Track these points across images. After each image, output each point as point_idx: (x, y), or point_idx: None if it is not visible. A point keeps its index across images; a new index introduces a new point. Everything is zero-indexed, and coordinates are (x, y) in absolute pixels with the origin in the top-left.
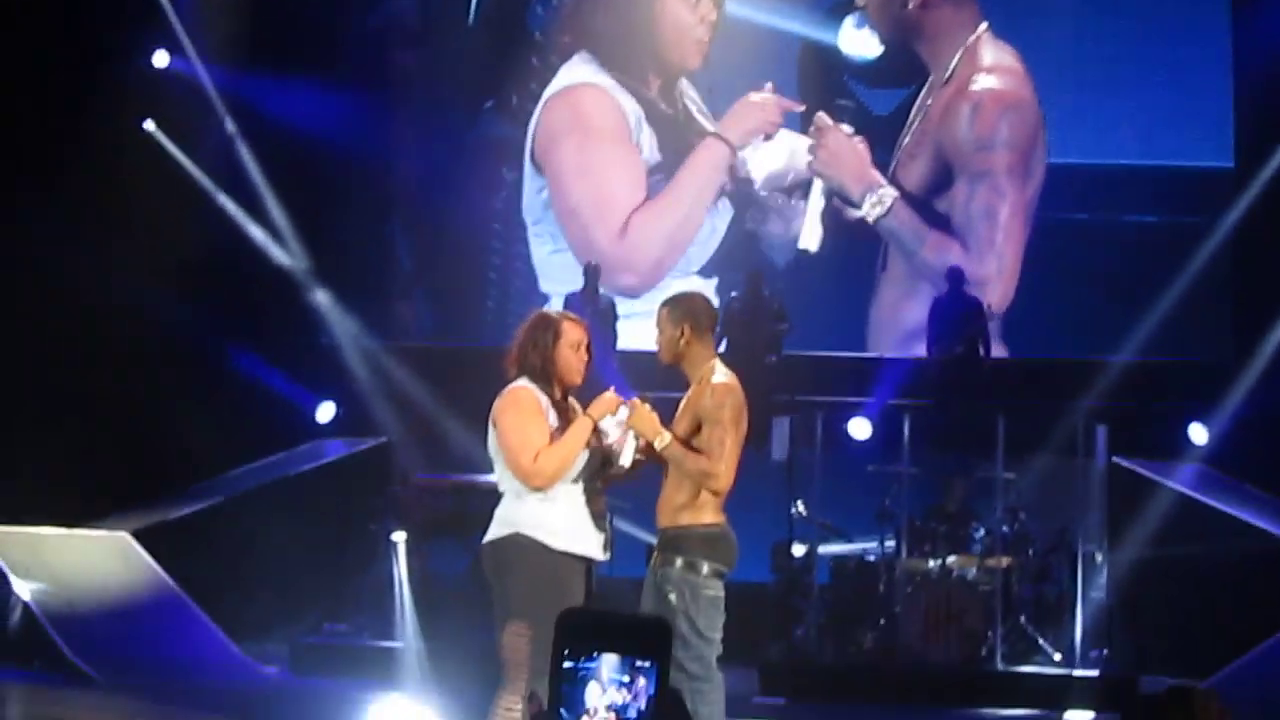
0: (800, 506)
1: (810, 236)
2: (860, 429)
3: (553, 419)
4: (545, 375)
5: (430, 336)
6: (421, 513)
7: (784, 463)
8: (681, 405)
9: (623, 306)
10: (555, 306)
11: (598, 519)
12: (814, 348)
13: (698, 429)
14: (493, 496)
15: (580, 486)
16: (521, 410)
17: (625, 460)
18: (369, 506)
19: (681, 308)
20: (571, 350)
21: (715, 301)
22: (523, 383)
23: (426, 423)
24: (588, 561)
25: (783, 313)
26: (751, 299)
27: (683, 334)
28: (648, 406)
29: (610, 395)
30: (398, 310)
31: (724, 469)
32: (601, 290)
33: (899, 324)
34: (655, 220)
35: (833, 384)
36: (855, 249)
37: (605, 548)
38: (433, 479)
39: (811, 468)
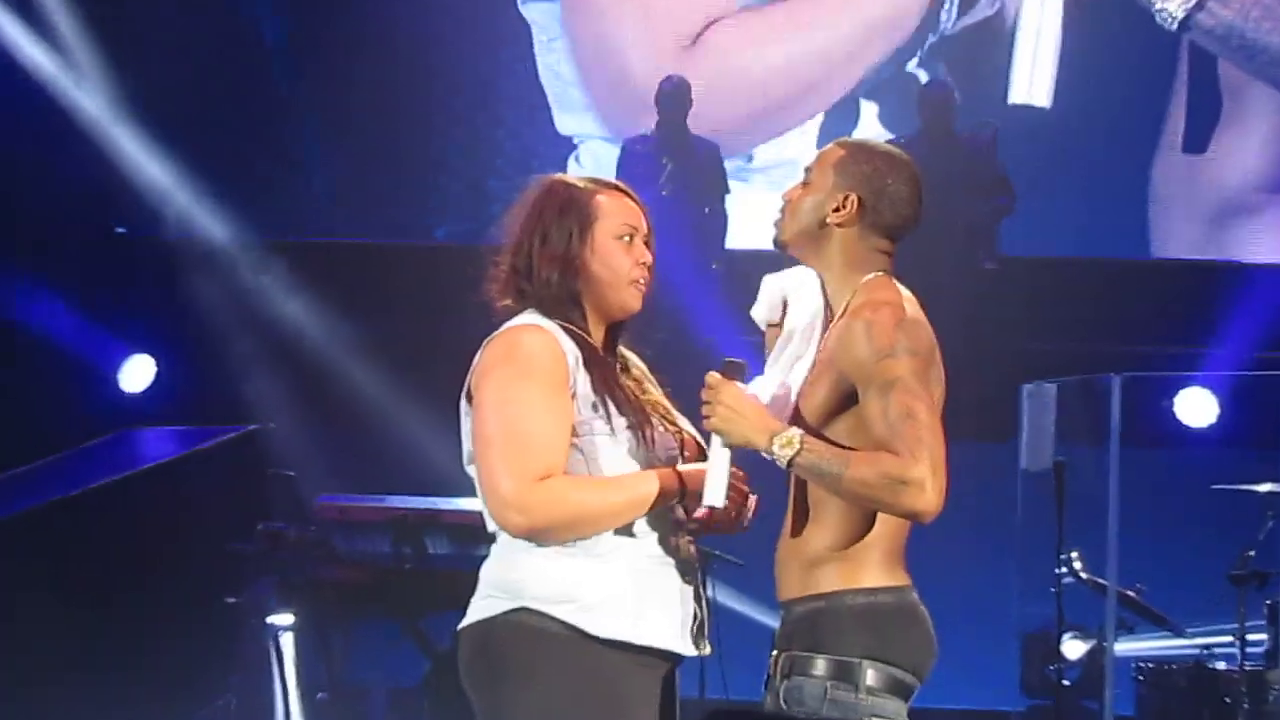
0: (1075, 560)
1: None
2: (1197, 406)
3: (584, 389)
4: (572, 299)
5: (347, 229)
6: (333, 572)
7: (1038, 472)
8: (815, 361)
9: None
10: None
11: (680, 581)
12: None
13: (842, 403)
14: (475, 539)
15: (644, 523)
16: (524, 374)
17: (715, 498)
18: (223, 560)
19: (862, 165)
20: (620, 244)
21: None
22: (529, 318)
23: (338, 395)
24: (664, 660)
25: (1004, 179)
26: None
27: (842, 206)
28: (733, 386)
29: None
30: (288, 184)
31: (930, 470)
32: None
33: None
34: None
35: (1121, 325)
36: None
37: (696, 635)
38: (353, 505)
39: (1095, 483)
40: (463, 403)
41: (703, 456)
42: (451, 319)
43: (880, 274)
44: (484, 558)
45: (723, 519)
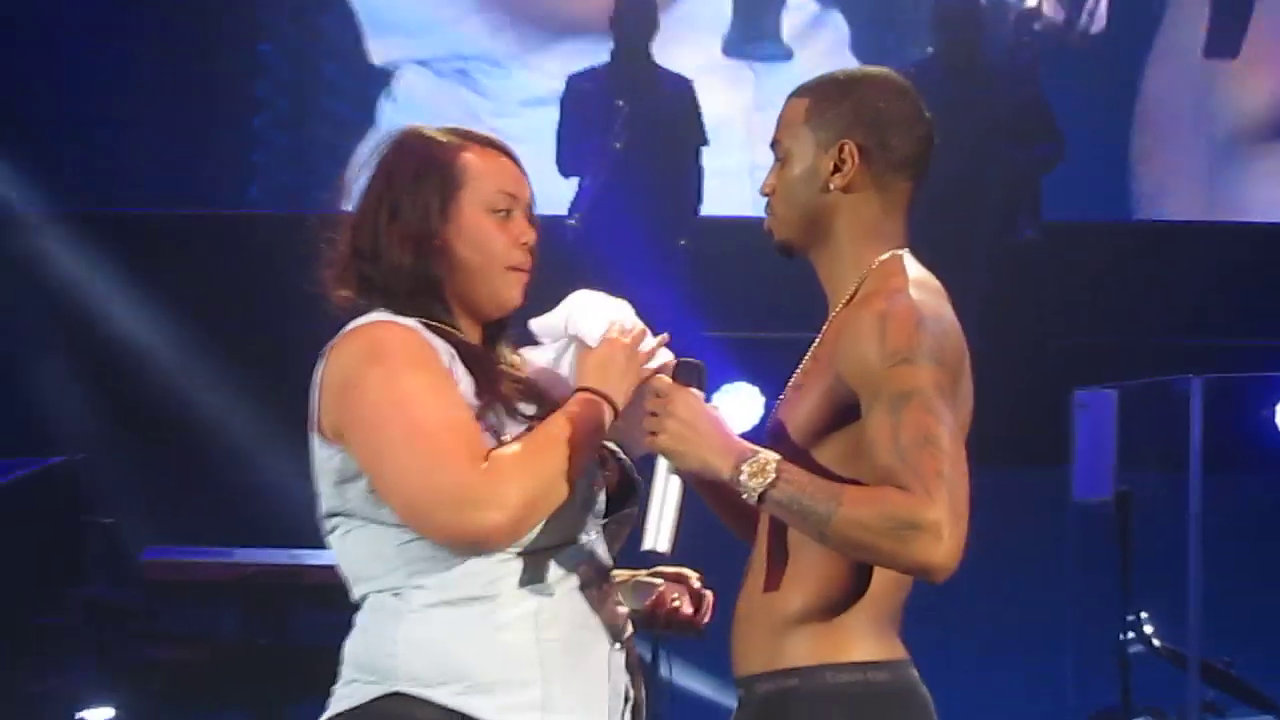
0: (1145, 624)
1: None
2: None
3: (465, 387)
4: (431, 289)
5: (162, 198)
6: (166, 651)
7: (1096, 505)
8: (806, 361)
9: None
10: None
11: (606, 653)
12: None
13: (837, 417)
14: (349, 605)
15: (559, 568)
16: (402, 367)
17: (661, 541)
18: (24, 637)
19: (838, 102)
20: (492, 219)
21: None
22: (380, 315)
23: (167, 416)
24: None
25: (1050, 119)
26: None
27: (841, 161)
28: (689, 394)
29: (635, 354)
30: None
31: (949, 514)
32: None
33: None
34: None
35: (1204, 310)
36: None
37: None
38: (190, 561)
39: (1170, 520)
40: (313, 437)
41: (626, 485)
42: (308, 311)
43: (900, 252)
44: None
45: (673, 615)
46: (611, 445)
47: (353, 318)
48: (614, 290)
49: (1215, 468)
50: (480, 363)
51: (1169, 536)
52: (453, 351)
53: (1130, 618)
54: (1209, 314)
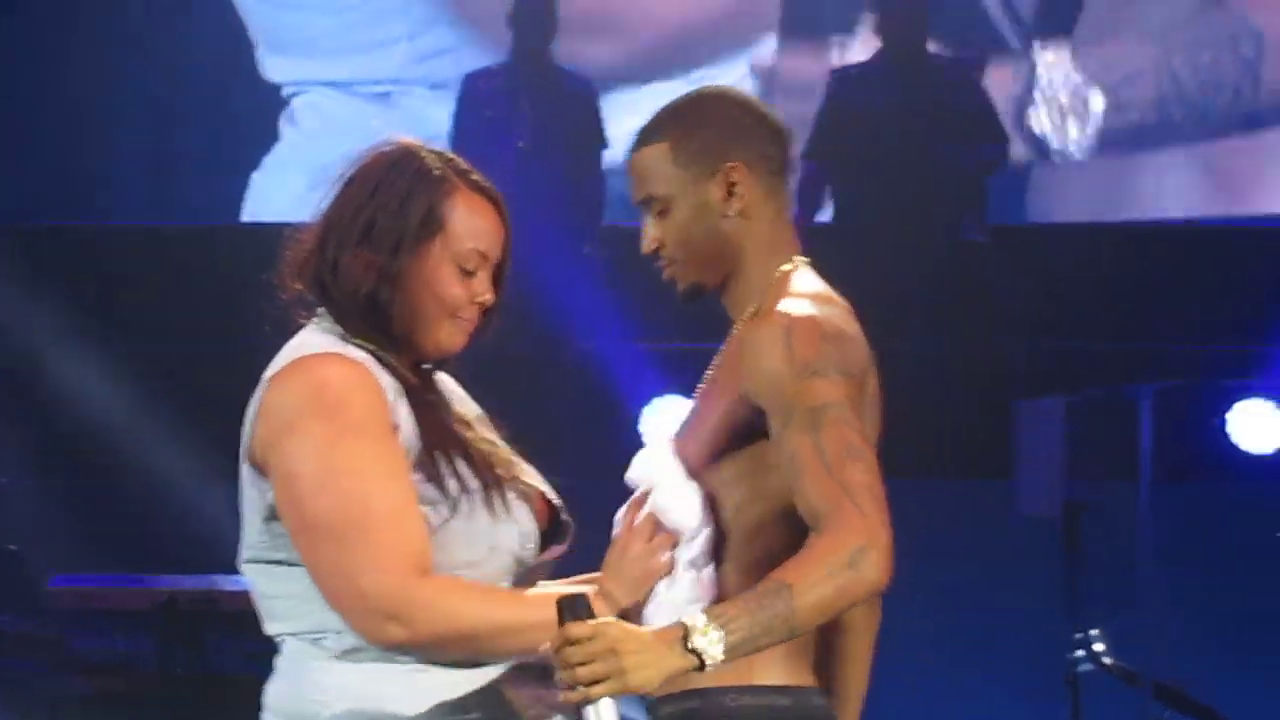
0: (1095, 641)
1: None
2: (1259, 425)
3: (409, 437)
4: (378, 320)
5: (57, 210)
6: (76, 681)
7: (1043, 519)
8: (704, 384)
9: None
10: None
11: (542, 688)
12: None
13: (739, 436)
14: (250, 629)
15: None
16: (348, 428)
17: None
18: None
19: (698, 129)
20: (457, 272)
21: None
22: (326, 340)
23: (74, 437)
24: None
25: (995, 120)
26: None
27: (731, 186)
28: (616, 624)
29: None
30: None
31: (883, 525)
32: None
33: None
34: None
35: (1155, 315)
36: None
37: None
38: (100, 589)
39: (1121, 533)
40: (244, 467)
41: (554, 518)
42: (226, 326)
43: (800, 262)
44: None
45: None
46: (540, 485)
47: (299, 312)
48: (525, 295)
49: (1167, 477)
50: (424, 402)
51: (1120, 549)
52: (399, 388)
53: (1079, 635)
54: (1160, 319)
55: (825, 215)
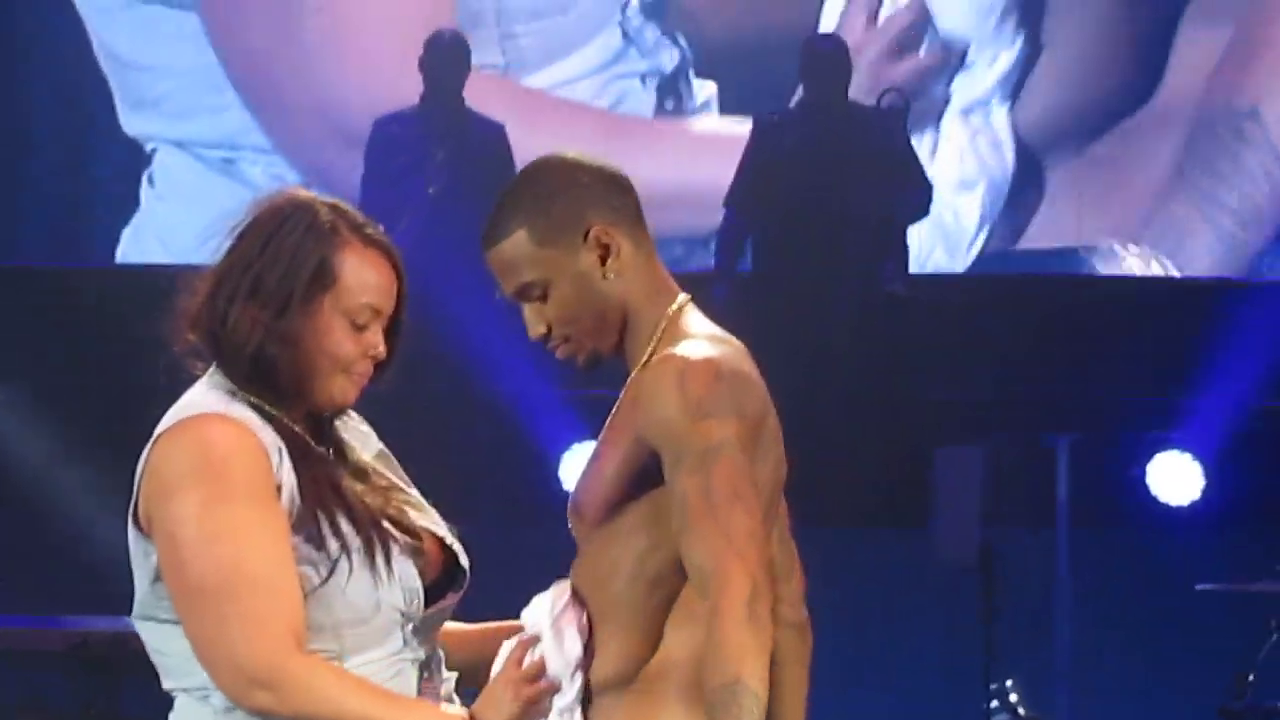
0: (1010, 692)
1: None
2: (1176, 476)
3: (290, 498)
4: (267, 374)
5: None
6: None
7: (960, 566)
8: (604, 431)
9: None
10: None
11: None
12: None
13: (638, 483)
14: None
15: (378, 669)
16: (228, 493)
17: None
18: None
19: (549, 207)
20: (348, 329)
21: None
22: (212, 398)
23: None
24: None
25: (919, 168)
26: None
27: (604, 249)
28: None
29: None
30: None
31: (759, 567)
32: None
33: None
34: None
35: (1073, 366)
36: None
37: None
38: (16, 630)
39: (1037, 580)
40: (130, 527)
41: (448, 559)
42: (141, 362)
43: (684, 302)
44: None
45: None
46: (437, 530)
47: (194, 360)
48: (441, 344)
49: (1083, 523)
50: (307, 458)
51: (1036, 596)
52: (281, 447)
53: (994, 686)
54: (1083, 369)
55: (745, 263)
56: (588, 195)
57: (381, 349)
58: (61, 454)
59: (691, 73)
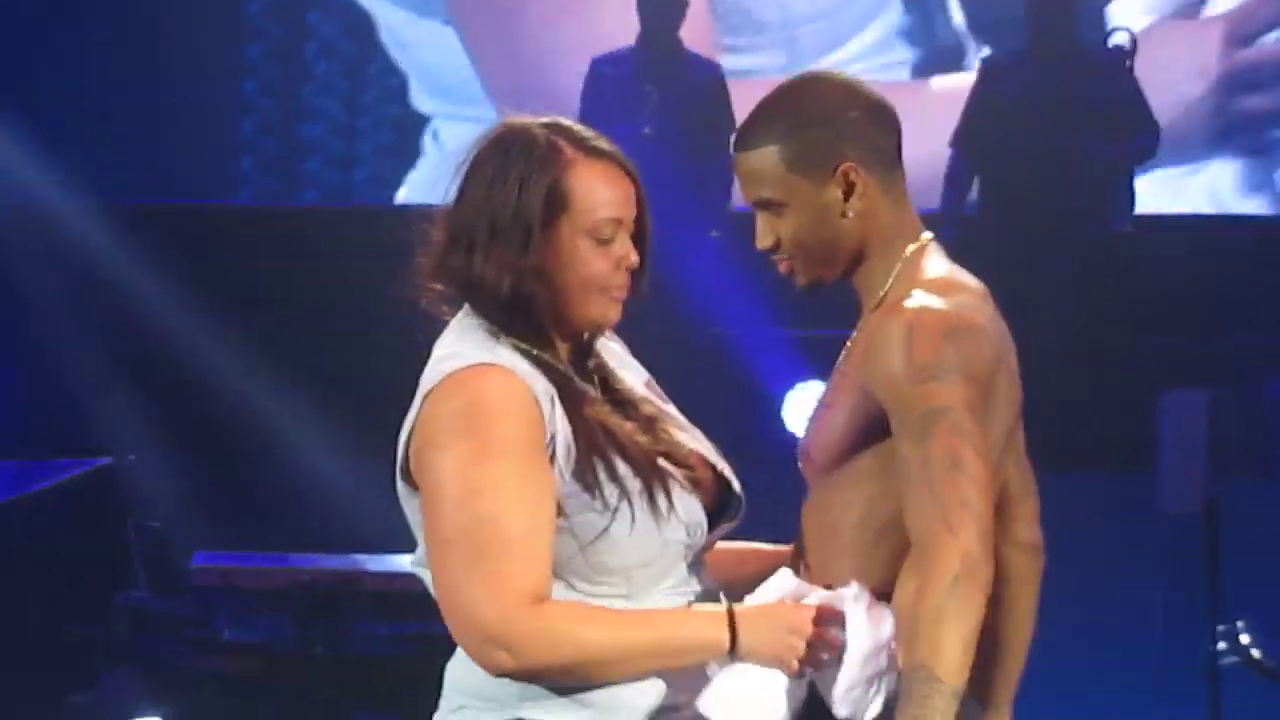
0: (1241, 633)
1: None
2: None
3: (564, 447)
4: (527, 311)
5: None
6: (216, 661)
7: (1185, 516)
8: (835, 375)
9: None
10: None
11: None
12: None
13: (868, 434)
14: (412, 613)
15: (669, 598)
16: (492, 448)
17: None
18: (66, 645)
19: (810, 129)
20: (593, 248)
21: None
22: (479, 340)
23: (217, 415)
24: None
25: (1146, 109)
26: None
27: (849, 185)
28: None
29: (804, 618)
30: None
31: (977, 539)
32: None
33: None
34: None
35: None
36: None
37: None
38: (242, 568)
39: (1266, 530)
40: (399, 482)
41: (719, 482)
42: (367, 306)
43: (927, 242)
44: (423, 639)
45: None
46: (708, 454)
47: (441, 311)
48: (658, 280)
49: None
50: (579, 405)
51: (1263, 547)
52: (553, 394)
53: (1222, 627)
54: None
55: (970, 206)
56: (850, 130)
57: (633, 257)
58: (293, 395)
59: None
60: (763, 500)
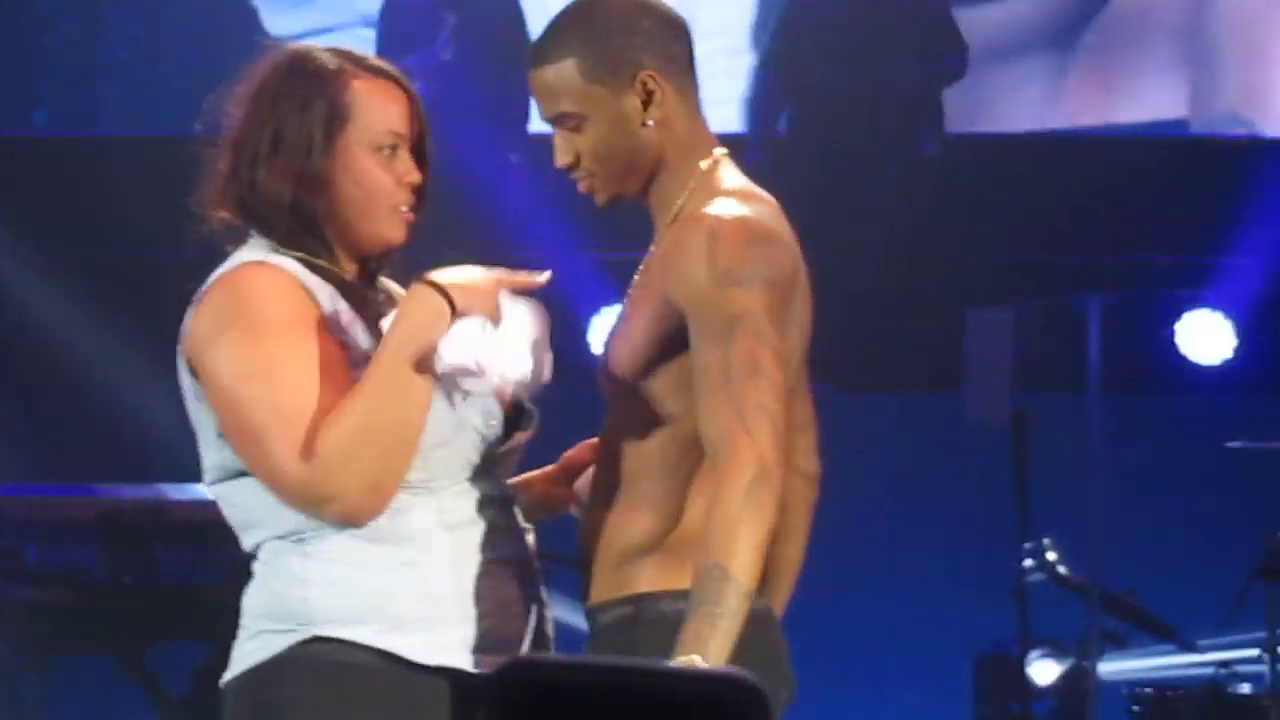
0: (1047, 551)
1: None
2: (1207, 336)
3: (354, 330)
4: (311, 225)
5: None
6: (24, 591)
7: (997, 427)
8: (632, 289)
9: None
10: None
11: (517, 586)
12: None
13: (667, 346)
14: (218, 542)
15: (463, 501)
16: (257, 328)
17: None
18: None
19: (619, 36)
20: (378, 158)
21: None
22: (255, 253)
23: (19, 342)
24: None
25: (953, 29)
26: None
27: (648, 94)
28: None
29: (496, 276)
30: None
31: (772, 445)
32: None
33: None
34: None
35: (1105, 227)
36: None
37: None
38: (48, 498)
39: (1069, 443)
40: (184, 377)
41: (516, 405)
42: (173, 232)
43: (720, 157)
44: (230, 566)
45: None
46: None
47: (229, 239)
48: (451, 210)
49: (1115, 388)
50: (364, 302)
51: (1068, 461)
52: (333, 291)
53: (1029, 545)
54: (1116, 230)
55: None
56: (645, 40)
57: (415, 174)
58: (93, 327)
59: None
60: (568, 426)
